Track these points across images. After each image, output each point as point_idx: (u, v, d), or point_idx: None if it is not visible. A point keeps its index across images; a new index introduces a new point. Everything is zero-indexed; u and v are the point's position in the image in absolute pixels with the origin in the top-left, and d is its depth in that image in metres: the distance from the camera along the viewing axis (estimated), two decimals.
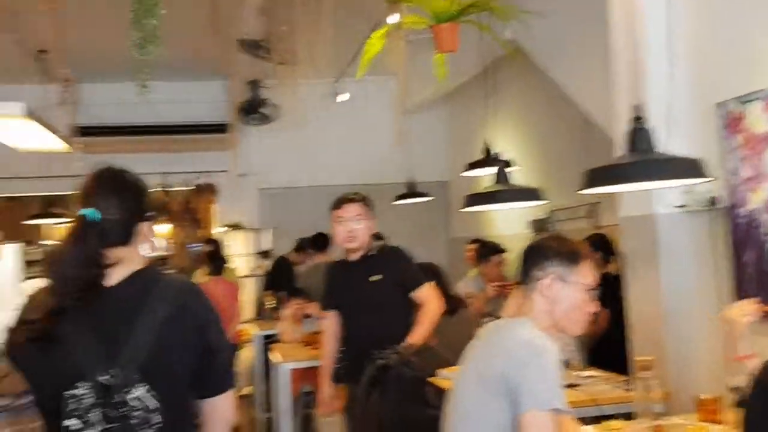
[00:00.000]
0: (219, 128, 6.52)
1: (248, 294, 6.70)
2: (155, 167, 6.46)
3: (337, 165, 7.09)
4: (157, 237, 1.64)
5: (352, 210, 3.12)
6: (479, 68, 5.19)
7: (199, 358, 1.51)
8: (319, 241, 5.93)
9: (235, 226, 7.14)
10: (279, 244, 6.83)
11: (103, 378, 1.38)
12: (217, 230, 7.11)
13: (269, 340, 5.40)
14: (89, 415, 1.36)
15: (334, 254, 5.77)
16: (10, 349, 1.50)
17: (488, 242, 5.12)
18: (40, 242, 7.37)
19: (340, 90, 6.51)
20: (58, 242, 1.53)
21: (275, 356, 4.50)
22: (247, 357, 6.24)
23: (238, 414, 5.79)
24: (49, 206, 6.48)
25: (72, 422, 1.36)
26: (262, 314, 6.34)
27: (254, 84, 5.73)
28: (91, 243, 1.45)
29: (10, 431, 0.75)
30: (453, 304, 3.62)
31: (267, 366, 5.46)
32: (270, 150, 7.07)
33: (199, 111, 6.64)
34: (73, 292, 1.41)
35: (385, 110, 7.29)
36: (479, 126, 6.14)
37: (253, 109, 5.75)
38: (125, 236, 1.53)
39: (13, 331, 1.50)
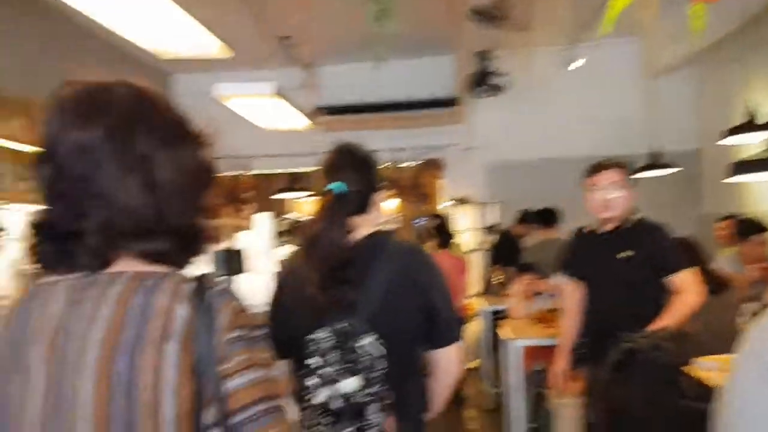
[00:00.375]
0: (447, 103, 6.52)
1: (475, 268, 6.67)
2: (386, 143, 6.67)
3: (570, 136, 6.75)
4: (386, 210, 1.79)
5: (608, 177, 2.84)
6: (739, 21, 4.57)
7: (423, 314, 1.68)
8: (547, 217, 5.71)
9: (462, 201, 7.13)
10: (506, 219, 6.70)
11: (341, 326, 1.56)
12: (443, 205, 7.16)
13: (497, 316, 5.32)
14: (328, 356, 1.55)
15: (561, 231, 5.55)
16: (272, 305, 1.77)
17: (748, 219, 4.51)
18: (286, 215, 8.01)
19: (574, 56, 6.15)
20: (312, 214, 1.71)
21: (505, 332, 4.39)
22: (473, 331, 6.24)
23: (469, 386, 5.87)
24: (293, 182, 7.00)
25: (314, 360, 1.56)
26: (489, 289, 6.28)
27: (483, 55, 5.63)
28: (340, 213, 1.65)
29: (244, 358, 0.87)
30: (715, 283, 3.21)
31: (495, 341, 5.40)
32: (498, 123, 6.95)
33: (428, 86, 6.69)
34: (329, 258, 1.61)
35: (625, 75, 6.78)
36: (738, 87, 5.44)
37: (481, 81, 5.65)
38: (363, 206, 1.73)
39: (276, 291, 1.78)
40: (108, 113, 0.91)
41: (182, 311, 0.86)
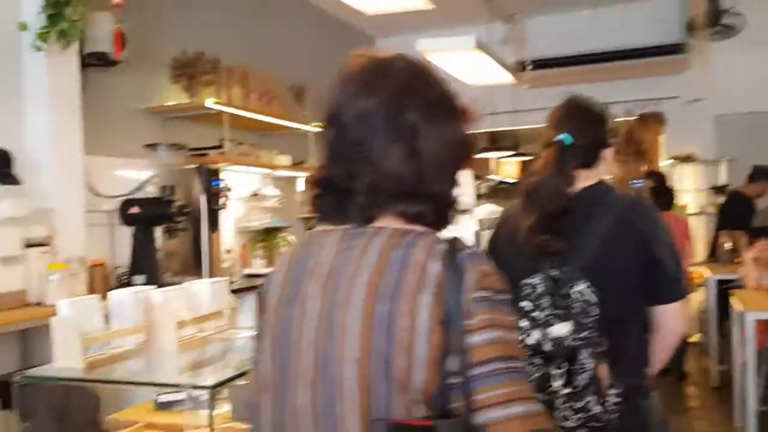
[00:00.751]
0: (669, 50, 5.89)
1: (700, 233, 6.06)
2: (598, 97, 6.22)
3: None
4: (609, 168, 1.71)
5: None
6: None
7: (642, 267, 1.64)
8: None
9: (685, 159, 6.46)
10: (736, 178, 5.96)
11: (554, 273, 1.58)
12: (663, 163, 6.56)
13: (724, 285, 4.81)
14: (540, 301, 1.58)
15: None
16: (488, 251, 1.84)
17: None
18: (487, 176, 7.87)
19: None
20: (537, 164, 1.72)
21: (736, 304, 3.93)
22: (697, 302, 5.69)
23: (691, 361, 5.39)
24: (494, 142, 6.82)
25: (525, 304, 1.59)
26: (715, 256, 5.67)
27: None
28: (565, 164, 1.65)
29: (487, 318, 0.92)
30: None
31: (721, 313, 4.89)
32: (730, 69, 6.13)
33: (645, 33, 6.10)
34: (548, 206, 1.63)
35: None
36: None
37: (712, 22, 4.99)
38: (590, 160, 1.71)
39: (493, 238, 1.87)
40: (386, 85, 1.01)
41: (435, 268, 0.94)
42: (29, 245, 3.15)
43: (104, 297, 1.86)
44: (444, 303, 0.92)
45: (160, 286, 1.91)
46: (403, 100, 1.01)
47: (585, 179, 1.71)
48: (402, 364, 0.91)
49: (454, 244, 0.98)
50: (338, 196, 1.03)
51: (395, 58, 1.06)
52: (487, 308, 0.93)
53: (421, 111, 1.01)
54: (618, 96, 6.37)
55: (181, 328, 1.69)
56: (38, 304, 3.10)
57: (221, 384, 1.41)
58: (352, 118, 1.01)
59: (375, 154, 0.99)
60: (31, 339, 3.14)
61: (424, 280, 0.93)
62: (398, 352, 0.91)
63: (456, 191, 1.05)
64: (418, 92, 1.02)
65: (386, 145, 0.99)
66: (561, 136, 1.69)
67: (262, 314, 1.07)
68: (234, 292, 4.10)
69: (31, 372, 1.58)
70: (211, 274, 3.92)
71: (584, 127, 1.72)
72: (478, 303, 0.93)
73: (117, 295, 1.65)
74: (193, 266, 4.03)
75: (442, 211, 1.04)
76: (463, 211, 1.08)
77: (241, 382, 1.61)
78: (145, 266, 3.66)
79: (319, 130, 1.06)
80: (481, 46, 4.08)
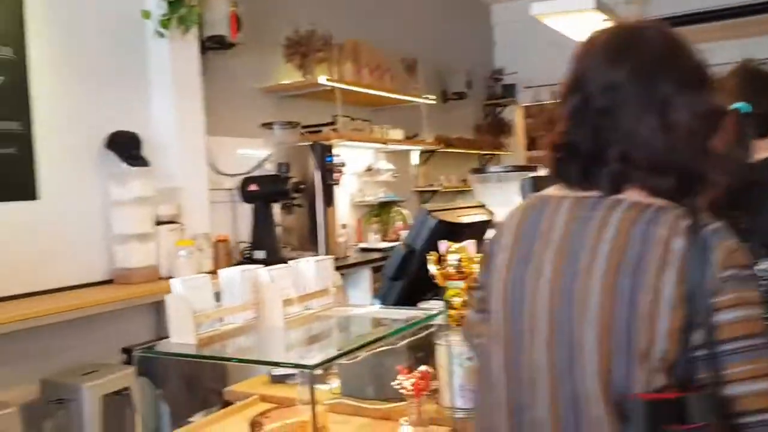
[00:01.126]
0: None
1: None
2: (734, 55, 5.71)
3: None
4: None
5: None
6: None
7: None
8: None
9: None
10: None
11: None
12: None
13: None
14: None
15: None
16: None
17: None
18: None
19: None
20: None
21: None
22: None
23: None
24: None
25: None
26: None
27: None
28: (744, 134, 1.61)
29: (734, 296, 0.94)
30: None
31: None
32: None
33: None
34: (732, 181, 1.50)
35: None
36: None
37: None
38: (767, 130, 1.68)
39: None
40: (635, 55, 1.00)
41: (678, 244, 0.94)
42: (159, 223, 3.35)
43: None
44: (688, 280, 0.92)
45: (280, 261, 1.96)
46: (655, 71, 0.99)
47: (762, 150, 1.68)
48: (644, 336, 0.92)
49: (697, 218, 0.96)
50: (581, 163, 1.03)
51: (646, 26, 1.04)
52: (735, 287, 0.93)
53: (675, 82, 0.99)
54: (757, 54, 5.82)
55: (288, 306, 1.73)
56: (170, 277, 3.29)
57: (324, 363, 1.42)
58: (600, 87, 1.01)
59: (625, 124, 0.99)
60: (164, 311, 3.35)
61: (668, 257, 0.93)
62: (640, 325, 0.92)
63: (706, 164, 1.02)
64: (671, 62, 1.01)
65: (637, 116, 0.99)
66: (738, 105, 1.64)
67: (487, 270, 1.12)
68: (350, 266, 4.20)
69: (155, 346, 1.67)
70: (327, 249, 4.01)
71: (762, 95, 1.69)
72: (725, 282, 0.93)
73: (226, 274, 1.70)
74: (309, 241, 4.14)
75: (690, 184, 1.01)
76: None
77: (345, 360, 1.63)
78: (265, 242, 3.80)
79: (560, 97, 1.07)
80: (602, 6, 3.84)
